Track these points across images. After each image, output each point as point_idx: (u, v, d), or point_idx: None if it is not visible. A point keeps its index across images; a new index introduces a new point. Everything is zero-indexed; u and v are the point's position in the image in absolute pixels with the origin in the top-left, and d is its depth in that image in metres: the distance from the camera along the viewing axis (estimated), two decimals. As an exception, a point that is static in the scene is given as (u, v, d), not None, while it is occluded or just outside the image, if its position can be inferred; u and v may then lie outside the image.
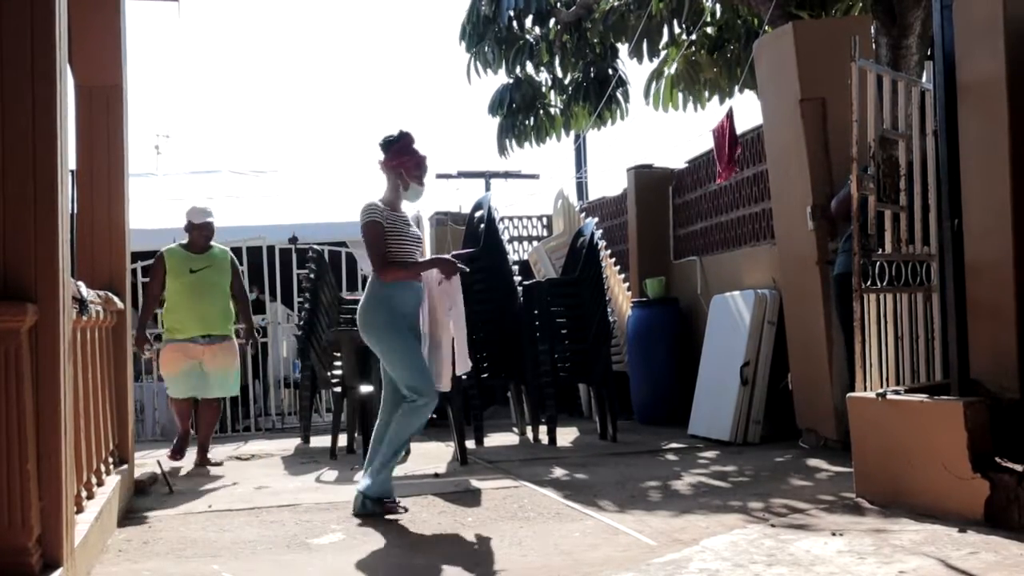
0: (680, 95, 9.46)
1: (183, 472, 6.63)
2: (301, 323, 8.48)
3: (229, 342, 6.89)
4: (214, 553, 4.17)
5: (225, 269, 6.95)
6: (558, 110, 10.54)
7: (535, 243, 12.07)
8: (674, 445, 7.03)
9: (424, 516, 4.78)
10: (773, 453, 6.36)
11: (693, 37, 9.25)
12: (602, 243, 8.45)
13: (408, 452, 7.02)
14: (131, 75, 5.77)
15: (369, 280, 5.13)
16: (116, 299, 5.05)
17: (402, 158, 5.12)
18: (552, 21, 10.00)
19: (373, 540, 4.31)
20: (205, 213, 6.95)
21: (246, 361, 9.69)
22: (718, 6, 9.19)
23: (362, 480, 4.97)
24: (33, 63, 3.09)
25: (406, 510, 4.85)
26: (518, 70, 10.24)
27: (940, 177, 4.73)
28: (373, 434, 5.04)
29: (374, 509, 4.80)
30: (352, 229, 11.47)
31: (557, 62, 10.24)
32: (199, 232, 6.92)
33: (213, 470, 6.68)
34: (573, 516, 4.69)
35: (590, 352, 7.60)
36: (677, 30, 9.23)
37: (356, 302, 8.52)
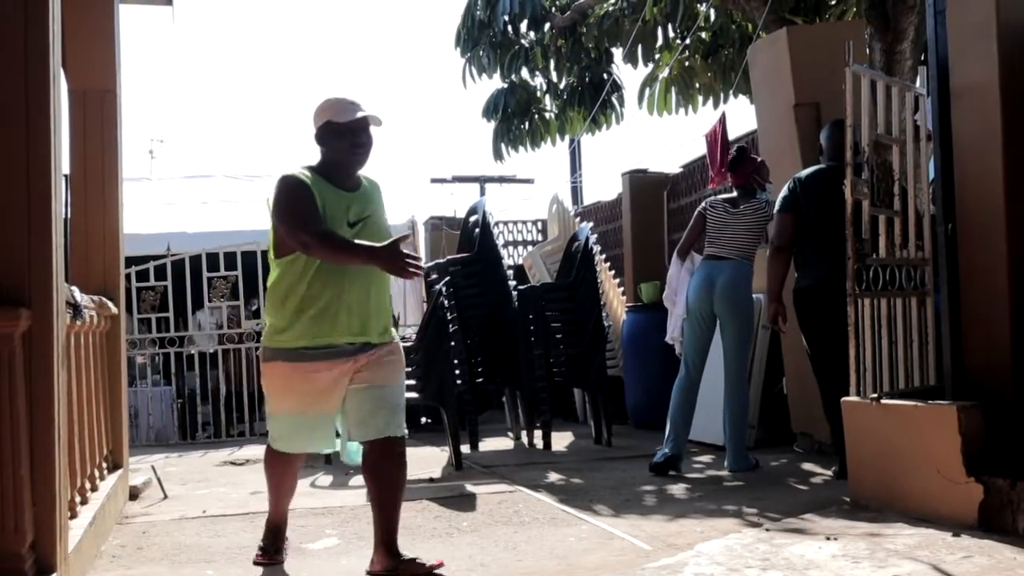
0: (674, 100, 9.47)
1: (178, 477, 6.61)
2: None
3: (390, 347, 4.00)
4: (208, 559, 4.16)
5: (384, 218, 4.00)
6: (553, 115, 10.56)
7: (530, 248, 12.10)
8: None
9: (419, 521, 4.77)
10: (768, 457, 6.36)
11: (687, 42, 9.27)
12: (597, 248, 8.46)
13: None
14: (125, 79, 5.77)
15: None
16: (110, 304, 5.05)
17: (755, 164, 6.17)
18: (547, 26, 10.03)
19: (368, 544, 4.29)
20: (356, 106, 3.81)
21: (241, 366, 9.73)
22: (712, 11, 9.21)
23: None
24: (26, 67, 3.08)
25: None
26: (513, 75, 10.26)
27: (934, 181, 4.74)
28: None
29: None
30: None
31: (552, 67, 10.26)
32: (353, 138, 3.78)
33: None
34: (568, 521, 4.68)
35: (585, 356, 7.60)
36: (671, 35, 9.25)
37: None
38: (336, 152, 3.80)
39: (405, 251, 3.64)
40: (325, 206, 3.71)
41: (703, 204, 6.25)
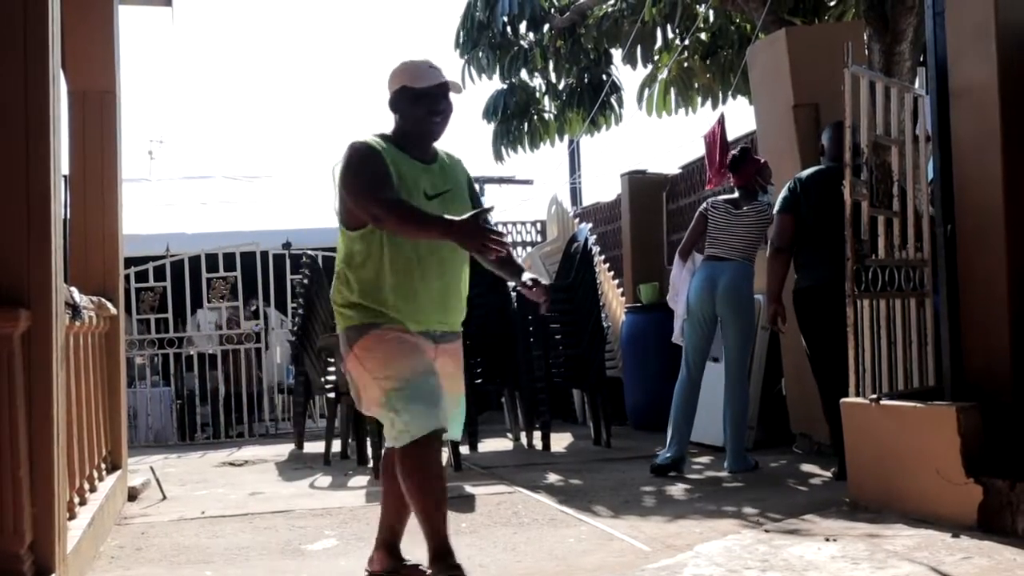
0: (673, 101, 9.47)
1: (176, 478, 6.61)
2: (295, 329, 8.47)
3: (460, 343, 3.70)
4: (207, 559, 4.16)
5: (465, 193, 3.65)
6: (552, 116, 10.55)
7: (529, 248, 12.09)
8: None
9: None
10: (767, 458, 6.36)
11: (686, 43, 9.27)
12: (596, 248, 8.46)
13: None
14: (124, 80, 5.77)
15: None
16: (109, 305, 5.04)
17: (757, 165, 6.16)
18: (546, 27, 10.02)
19: (367, 546, 4.29)
20: (434, 70, 3.49)
21: (240, 367, 9.72)
22: (711, 12, 9.21)
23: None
24: (26, 68, 3.08)
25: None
26: (512, 76, 10.25)
27: (933, 182, 4.75)
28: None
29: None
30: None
31: (551, 68, 10.26)
32: (431, 105, 3.46)
33: None
34: (567, 522, 4.68)
35: (584, 357, 7.59)
36: (670, 36, 9.25)
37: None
38: (412, 120, 3.46)
39: (487, 226, 3.24)
40: (400, 177, 3.37)
41: (704, 205, 6.25)
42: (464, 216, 3.23)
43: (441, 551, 3.33)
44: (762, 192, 6.12)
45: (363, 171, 3.36)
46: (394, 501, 3.59)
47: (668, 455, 5.92)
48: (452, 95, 3.51)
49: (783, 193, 5.71)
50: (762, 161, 6.22)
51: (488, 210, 3.37)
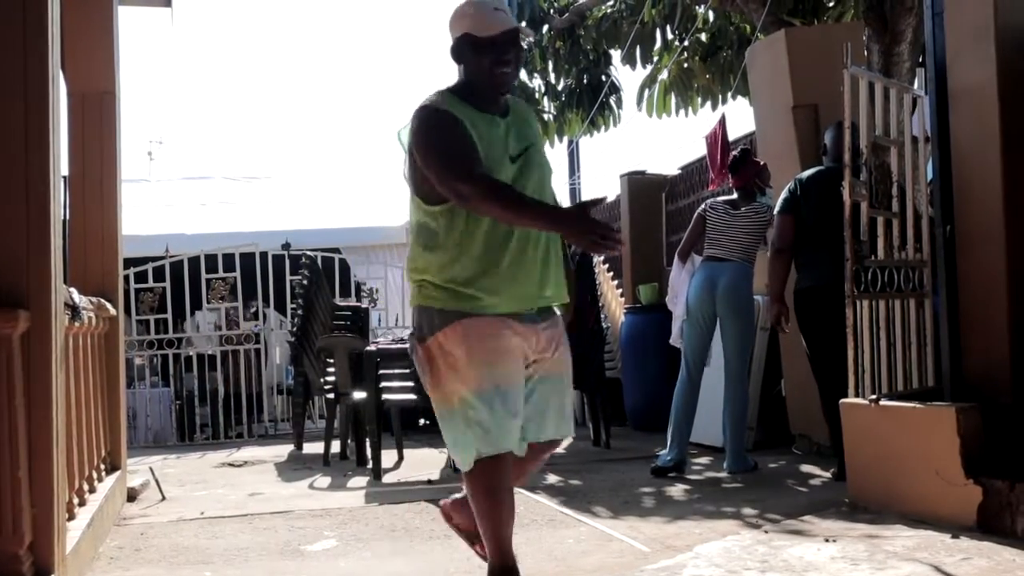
0: (673, 101, 9.47)
1: (176, 478, 6.60)
2: (294, 329, 8.47)
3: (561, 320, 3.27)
4: (206, 560, 4.16)
5: (543, 149, 3.30)
6: (551, 116, 10.55)
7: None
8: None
9: (417, 523, 4.77)
10: (766, 459, 6.36)
11: (686, 44, 9.27)
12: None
13: (401, 458, 7.03)
14: (124, 81, 5.77)
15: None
16: (109, 305, 5.04)
17: (756, 167, 6.16)
18: (545, 27, 10.02)
19: (366, 547, 4.30)
20: (500, 15, 3.11)
21: (240, 368, 9.72)
22: (711, 13, 9.21)
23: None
24: (25, 69, 3.09)
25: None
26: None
27: (932, 183, 4.75)
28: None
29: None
30: (344, 235, 11.64)
31: (550, 68, 10.25)
32: (497, 55, 3.05)
33: None
34: (567, 522, 4.68)
35: (583, 358, 7.57)
36: (670, 37, 9.25)
37: (349, 309, 8.60)
38: (477, 71, 3.06)
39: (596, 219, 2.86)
40: (481, 139, 2.99)
41: (703, 206, 6.25)
42: (573, 206, 2.96)
43: (504, 568, 3.06)
44: (760, 194, 6.12)
45: (443, 142, 2.97)
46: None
47: (669, 457, 5.92)
48: (522, 41, 3.15)
49: (783, 194, 5.71)
50: (762, 163, 6.22)
51: (601, 200, 3.04)
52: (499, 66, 3.04)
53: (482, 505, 3.03)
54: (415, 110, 3.06)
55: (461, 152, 2.94)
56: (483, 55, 3.03)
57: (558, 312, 3.17)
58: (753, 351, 7.03)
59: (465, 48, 3.07)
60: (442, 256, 3.00)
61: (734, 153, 6.43)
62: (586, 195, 15.71)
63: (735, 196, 6.19)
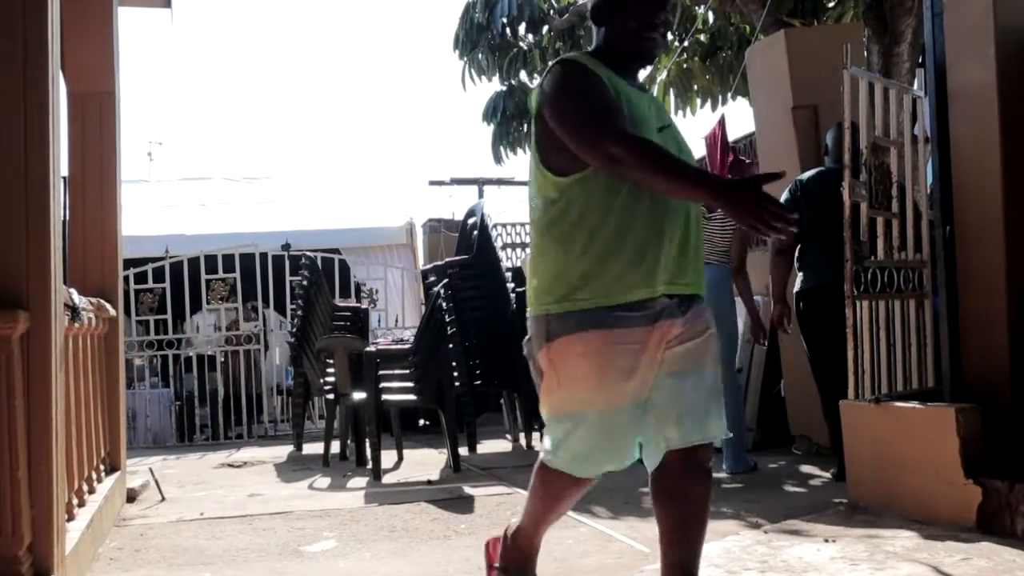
0: (673, 102, 9.48)
1: (175, 479, 6.60)
2: (294, 330, 8.47)
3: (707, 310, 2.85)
4: (206, 561, 4.16)
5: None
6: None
7: (528, 250, 12.09)
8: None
9: (417, 523, 4.77)
10: (766, 459, 6.36)
11: (686, 44, 9.28)
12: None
13: (401, 459, 7.03)
14: (124, 82, 5.77)
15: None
16: (108, 306, 5.04)
17: (741, 165, 6.32)
18: (545, 28, 10.03)
19: (366, 547, 4.30)
20: None
21: (239, 368, 9.72)
22: (710, 13, 9.22)
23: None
24: (25, 70, 3.09)
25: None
26: (512, 77, 10.26)
27: (932, 184, 4.75)
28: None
29: None
30: (344, 236, 11.64)
31: (550, 69, 10.26)
32: (647, 16, 2.76)
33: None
34: (566, 523, 4.68)
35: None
36: (670, 37, 9.26)
37: (349, 309, 8.60)
38: (623, 36, 2.73)
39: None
40: (628, 103, 2.63)
41: None
42: (744, 178, 2.50)
43: (527, 552, 3.06)
44: None
45: (587, 99, 2.58)
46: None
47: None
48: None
49: (784, 195, 5.70)
50: (748, 161, 6.16)
51: (779, 175, 2.51)
52: (648, 29, 2.72)
53: (542, 499, 2.94)
54: (551, 66, 2.71)
55: (608, 110, 2.54)
56: (630, 16, 2.71)
57: (701, 298, 2.76)
58: (752, 352, 7.03)
59: (609, 9, 2.75)
60: (568, 242, 2.61)
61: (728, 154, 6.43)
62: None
63: None
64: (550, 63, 2.74)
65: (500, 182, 17.79)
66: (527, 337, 2.77)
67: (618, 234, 2.58)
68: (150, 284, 9.65)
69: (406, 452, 7.23)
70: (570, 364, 2.63)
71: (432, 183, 17.97)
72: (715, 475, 5.92)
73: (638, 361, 2.60)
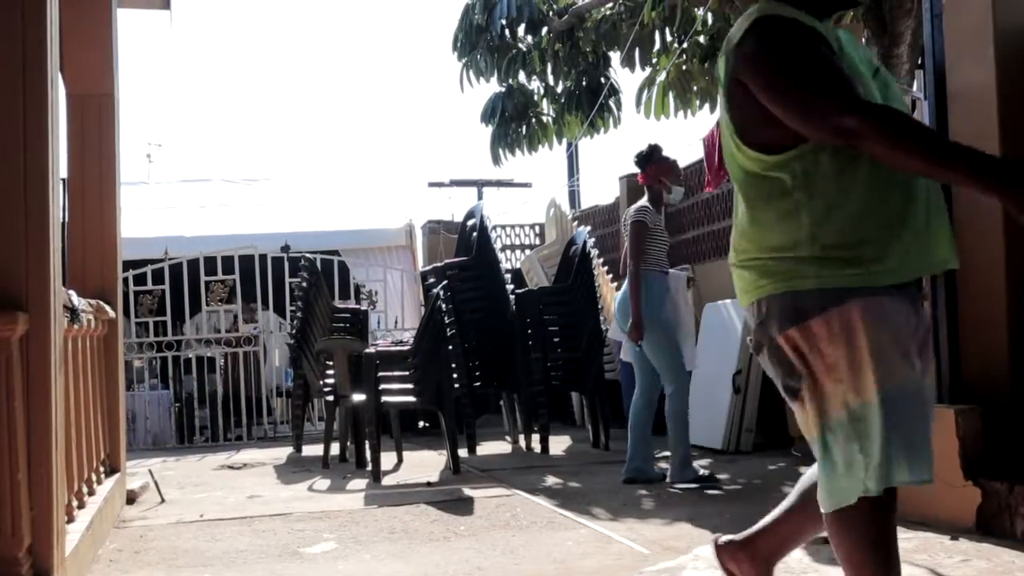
0: (672, 103, 9.48)
1: (175, 481, 6.60)
2: (293, 332, 8.47)
3: None
4: (206, 563, 4.16)
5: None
6: (550, 118, 10.56)
7: (527, 252, 12.10)
8: (666, 453, 7.01)
9: (417, 525, 4.77)
10: (766, 461, 6.36)
11: (685, 46, 9.27)
12: (595, 251, 8.46)
13: (401, 460, 7.03)
14: (123, 83, 5.78)
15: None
16: (107, 308, 5.04)
17: (660, 167, 5.90)
18: (544, 30, 10.02)
19: (365, 549, 4.30)
20: None
21: (239, 370, 9.72)
22: (710, 15, 9.22)
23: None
24: (24, 71, 3.09)
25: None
26: (511, 79, 10.26)
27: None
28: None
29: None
30: (343, 238, 11.63)
31: (549, 71, 10.26)
32: None
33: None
34: (566, 524, 4.68)
35: (583, 360, 7.60)
36: (669, 39, 9.26)
37: (348, 311, 8.61)
38: None
39: None
40: (845, 59, 2.22)
41: (644, 217, 5.82)
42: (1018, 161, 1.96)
43: None
44: (667, 192, 5.93)
45: (806, 63, 2.13)
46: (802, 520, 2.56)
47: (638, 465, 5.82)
48: None
49: None
50: (671, 160, 6.00)
51: None
52: None
53: (860, 560, 2.36)
54: (752, 25, 2.21)
55: (834, 75, 2.10)
56: None
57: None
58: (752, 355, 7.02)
59: None
60: (806, 216, 2.17)
61: (641, 150, 6.06)
62: (585, 197, 15.68)
63: (647, 201, 5.89)
64: (745, 22, 2.23)
65: (499, 183, 17.80)
66: (760, 320, 2.27)
67: (866, 205, 2.14)
68: (149, 286, 9.66)
69: (406, 454, 7.23)
70: (841, 339, 2.13)
71: (431, 185, 17.99)
72: (718, 478, 5.93)
73: (918, 338, 2.20)
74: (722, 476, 5.93)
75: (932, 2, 4.57)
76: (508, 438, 8.14)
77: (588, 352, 7.58)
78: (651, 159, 5.94)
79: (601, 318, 7.96)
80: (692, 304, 6.27)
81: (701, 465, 6.46)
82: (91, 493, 4.50)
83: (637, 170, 6.07)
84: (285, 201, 13.46)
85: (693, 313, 6.21)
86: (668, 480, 5.79)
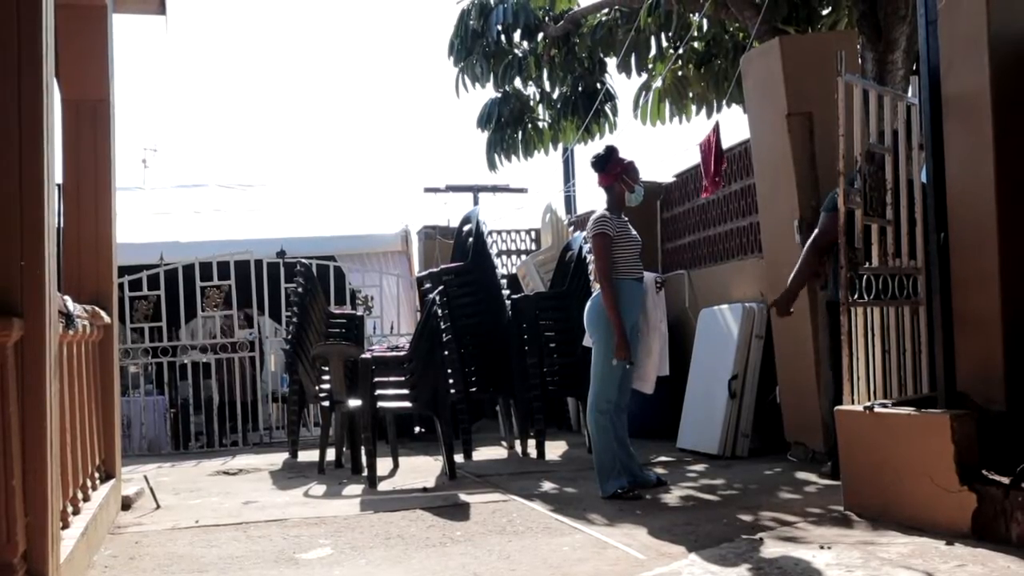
0: (667, 109, 9.49)
1: (170, 487, 6.59)
2: (289, 337, 8.47)
3: None
4: (201, 569, 4.15)
5: None
6: (546, 124, 10.57)
7: (523, 257, 12.09)
8: (663, 458, 7.02)
9: (412, 530, 4.76)
10: (762, 466, 6.36)
11: (681, 52, 9.29)
12: (590, 257, 8.46)
13: (396, 466, 7.02)
14: (118, 89, 5.78)
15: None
16: (103, 313, 5.04)
17: (618, 168, 5.79)
18: (540, 36, 10.04)
19: (361, 555, 4.29)
20: None
21: (234, 376, 9.71)
22: (705, 21, 9.24)
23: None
24: (19, 77, 3.09)
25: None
26: (506, 84, 10.27)
27: (926, 190, 4.76)
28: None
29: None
30: (339, 243, 11.63)
31: (545, 76, 10.28)
32: None
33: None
34: (562, 530, 4.68)
35: (579, 365, 7.58)
36: (665, 45, 9.27)
37: (344, 316, 8.60)
38: None
39: None
40: None
41: (602, 227, 5.73)
42: None
43: None
44: (630, 191, 5.83)
45: None
46: None
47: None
48: None
49: (827, 202, 5.51)
50: (627, 161, 5.86)
51: None
52: None
53: None
54: None
55: None
56: None
57: None
58: (748, 358, 7.03)
59: None
60: None
61: (599, 151, 5.96)
62: (580, 202, 15.71)
63: (608, 207, 5.83)
64: None
65: (495, 189, 17.83)
66: None
67: None
68: (145, 291, 9.64)
69: (401, 459, 7.22)
70: None
71: (427, 190, 18.02)
72: (710, 482, 5.95)
73: None
74: (718, 481, 5.93)
75: (927, 8, 4.58)
76: (504, 443, 8.13)
77: (584, 357, 7.57)
78: (610, 160, 5.81)
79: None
80: (664, 308, 6.19)
81: (696, 471, 6.46)
82: (86, 499, 4.49)
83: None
84: (281, 206, 13.46)
85: (666, 317, 6.13)
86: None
